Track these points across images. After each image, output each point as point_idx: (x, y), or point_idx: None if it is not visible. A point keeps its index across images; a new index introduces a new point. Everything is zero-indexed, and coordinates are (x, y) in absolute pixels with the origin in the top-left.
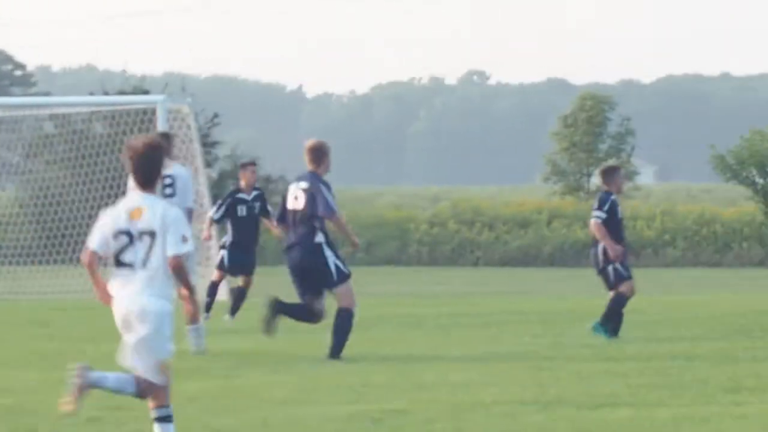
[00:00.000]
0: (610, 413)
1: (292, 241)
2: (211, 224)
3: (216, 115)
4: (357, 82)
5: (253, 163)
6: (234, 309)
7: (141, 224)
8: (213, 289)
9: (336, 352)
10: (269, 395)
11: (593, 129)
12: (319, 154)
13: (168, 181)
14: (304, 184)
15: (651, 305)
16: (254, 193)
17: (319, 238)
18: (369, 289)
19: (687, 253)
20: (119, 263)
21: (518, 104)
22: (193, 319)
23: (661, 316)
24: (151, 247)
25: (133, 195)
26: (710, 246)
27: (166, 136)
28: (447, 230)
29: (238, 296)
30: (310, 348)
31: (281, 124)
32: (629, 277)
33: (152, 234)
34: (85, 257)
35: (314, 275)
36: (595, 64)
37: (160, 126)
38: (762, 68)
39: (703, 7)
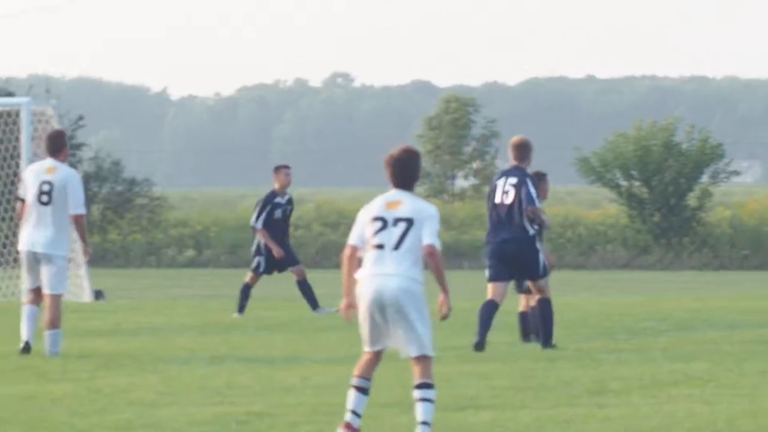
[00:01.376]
0: (473, 415)
1: (505, 236)
2: (257, 232)
3: (81, 117)
4: (222, 85)
5: (287, 166)
6: (313, 302)
7: None
8: (246, 291)
9: (548, 340)
10: (134, 397)
11: (458, 131)
12: (525, 150)
13: (46, 188)
14: (513, 179)
15: (514, 307)
16: (287, 196)
17: (532, 231)
18: (233, 291)
19: (551, 255)
20: None
21: (383, 106)
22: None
23: None
24: None
25: None
26: (574, 248)
27: (58, 135)
28: (311, 232)
29: (305, 289)
30: (174, 350)
31: (146, 127)
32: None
33: None
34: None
35: (524, 266)
36: (460, 67)
37: (24, 129)
38: (626, 71)
39: (567, 9)
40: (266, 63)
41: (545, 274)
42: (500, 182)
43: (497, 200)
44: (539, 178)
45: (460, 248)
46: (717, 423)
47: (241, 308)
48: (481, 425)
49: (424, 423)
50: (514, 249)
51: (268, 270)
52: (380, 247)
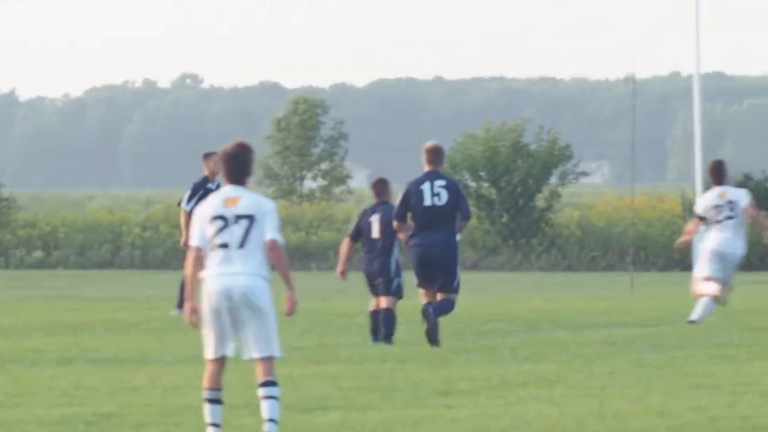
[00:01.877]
0: (321, 416)
1: (434, 239)
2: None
3: None
4: (71, 86)
5: (216, 153)
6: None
7: None
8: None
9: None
10: None
11: (306, 133)
12: (441, 154)
13: None
14: (441, 182)
15: (363, 309)
16: (217, 182)
17: (459, 236)
18: (81, 292)
19: (403, 256)
20: None
21: (231, 107)
22: None
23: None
24: None
25: None
26: None
27: None
28: (159, 234)
29: None
30: (22, 351)
31: None
32: None
33: None
34: None
35: (445, 270)
36: (308, 68)
37: None
38: (474, 72)
39: (415, 11)
40: (115, 64)
41: (457, 290)
42: (425, 186)
43: (427, 203)
44: (383, 184)
45: (308, 249)
46: (565, 424)
47: (181, 304)
48: (329, 426)
49: (271, 420)
50: (441, 252)
51: None
52: (225, 246)
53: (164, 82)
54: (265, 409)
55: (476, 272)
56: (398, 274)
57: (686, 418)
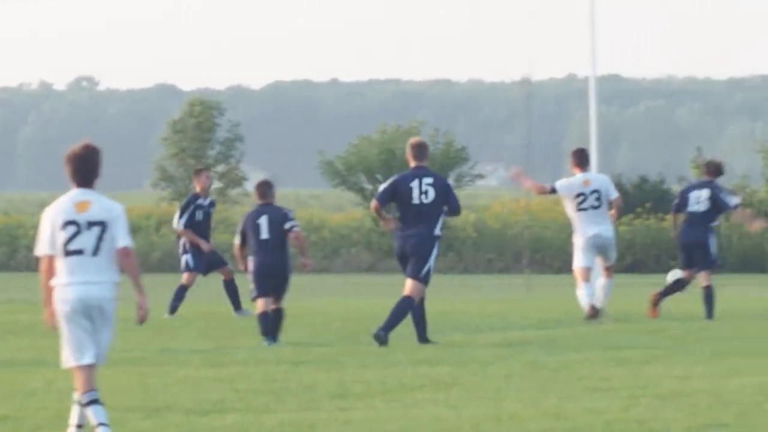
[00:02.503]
0: (217, 419)
1: (412, 232)
2: (181, 234)
3: None
4: None
5: (207, 169)
6: (236, 303)
7: None
8: (181, 292)
9: (386, 328)
10: None
11: (202, 135)
12: (426, 149)
13: None
14: (428, 179)
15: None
16: (209, 199)
17: (438, 232)
18: None
19: (296, 259)
20: None
21: (128, 109)
22: None
23: None
24: None
25: None
26: (319, 252)
27: None
28: None
29: (231, 290)
30: None
31: None
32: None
33: None
34: None
35: (416, 260)
36: (205, 70)
37: None
38: (370, 74)
39: (311, 13)
40: (10, 66)
41: (427, 280)
42: (415, 183)
43: (415, 201)
44: (267, 186)
45: None
46: (461, 427)
47: (173, 309)
48: (226, 429)
49: (102, 424)
50: (415, 243)
51: (198, 267)
52: (79, 252)
53: (60, 85)
54: (94, 414)
55: (372, 275)
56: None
57: (582, 420)
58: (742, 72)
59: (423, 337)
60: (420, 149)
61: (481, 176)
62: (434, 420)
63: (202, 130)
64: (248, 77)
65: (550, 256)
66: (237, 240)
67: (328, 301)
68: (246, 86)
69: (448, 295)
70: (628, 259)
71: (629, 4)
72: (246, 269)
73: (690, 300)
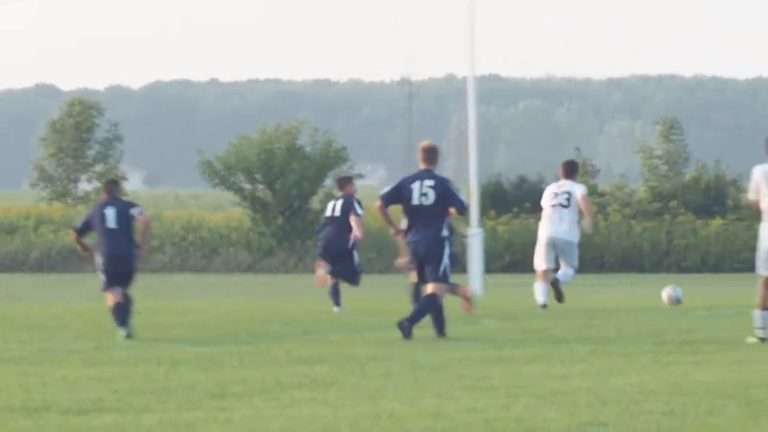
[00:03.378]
0: (96, 419)
1: (418, 237)
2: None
3: None
4: None
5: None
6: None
7: None
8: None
9: (413, 320)
10: None
11: (81, 135)
12: (435, 153)
13: None
14: (430, 182)
15: (144, 310)
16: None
17: (445, 233)
18: None
19: (175, 258)
20: None
21: (6, 109)
22: None
23: (146, 321)
24: None
25: None
26: (198, 251)
27: None
28: None
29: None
30: None
31: None
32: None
33: None
34: None
35: (429, 265)
36: (84, 70)
37: None
38: (249, 74)
39: (189, 13)
40: None
41: (445, 278)
42: (416, 185)
43: (415, 202)
44: (114, 184)
45: None
46: (340, 426)
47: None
48: (104, 429)
49: None
50: (426, 250)
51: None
52: None
53: None
54: None
55: (252, 274)
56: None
57: (461, 419)
58: (621, 72)
59: (441, 332)
60: (428, 152)
61: (360, 176)
62: (313, 419)
63: (81, 130)
64: (128, 77)
65: None
66: (77, 226)
67: (207, 301)
68: (125, 86)
69: (326, 295)
70: (506, 259)
71: (509, 3)
72: (86, 251)
73: (571, 299)
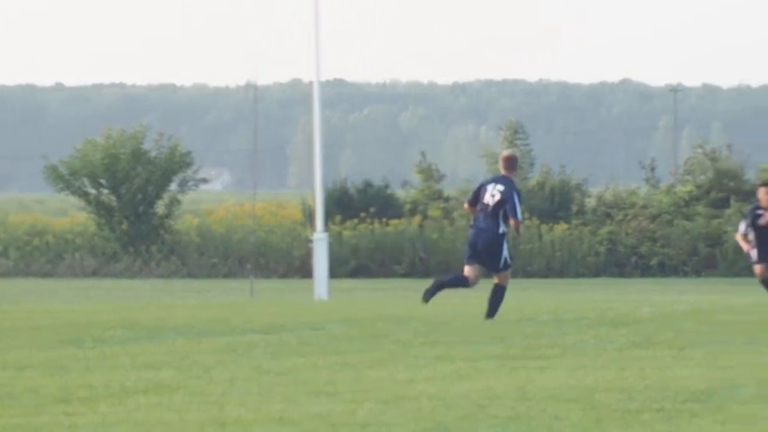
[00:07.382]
0: None
1: (482, 226)
2: None
3: None
4: None
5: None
6: None
7: None
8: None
9: (492, 313)
10: None
11: None
12: (514, 162)
13: None
14: (501, 187)
15: None
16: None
17: (503, 229)
18: None
19: (19, 263)
20: None
21: None
22: None
23: None
24: None
25: None
26: (42, 256)
27: None
28: None
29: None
30: None
31: None
32: None
33: None
34: None
35: (489, 257)
36: None
37: None
38: (94, 79)
39: (36, 17)
40: None
41: (506, 267)
42: (490, 186)
43: (486, 200)
44: None
45: None
46: (186, 431)
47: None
48: None
49: None
50: (485, 240)
51: None
52: None
53: None
54: None
55: (96, 279)
56: None
57: (307, 425)
58: (466, 77)
59: (492, 314)
60: (507, 161)
61: (205, 181)
62: (158, 424)
63: None
64: None
65: (275, 260)
66: None
67: (50, 306)
68: None
69: (171, 300)
70: (351, 264)
71: (353, 8)
72: None
73: (418, 305)
